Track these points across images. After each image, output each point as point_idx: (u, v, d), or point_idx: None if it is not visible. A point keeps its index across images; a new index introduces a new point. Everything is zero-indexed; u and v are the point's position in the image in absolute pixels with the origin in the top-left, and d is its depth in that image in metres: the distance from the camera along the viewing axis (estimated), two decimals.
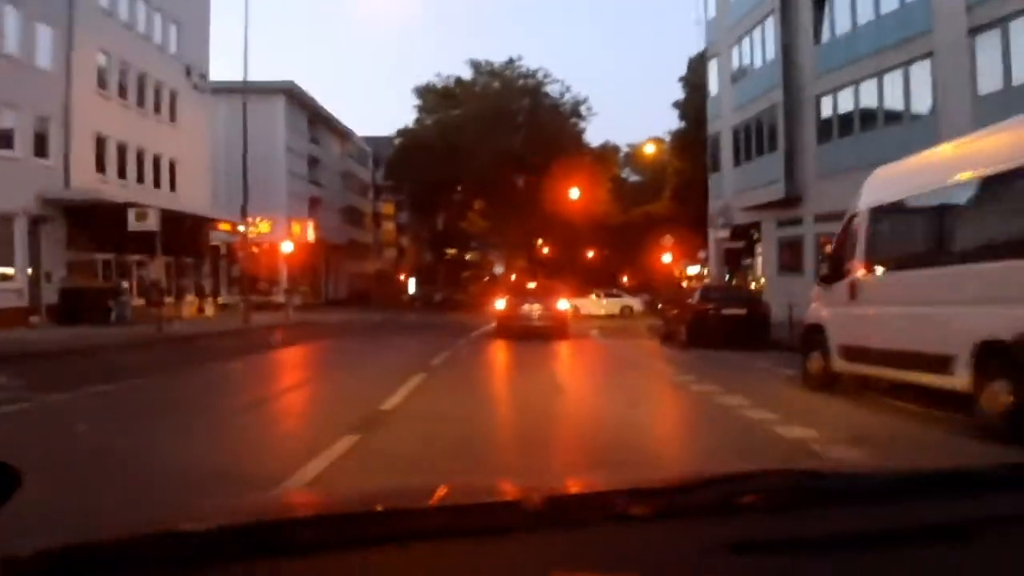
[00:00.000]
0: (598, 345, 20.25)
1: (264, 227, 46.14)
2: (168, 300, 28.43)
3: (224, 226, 32.18)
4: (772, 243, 29.78)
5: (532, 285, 26.06)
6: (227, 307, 36.14)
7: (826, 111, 25.92)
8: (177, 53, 31.71)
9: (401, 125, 56.62)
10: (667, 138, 56.19)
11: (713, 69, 34.54)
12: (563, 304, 21.17)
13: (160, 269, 22.79)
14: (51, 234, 21.81)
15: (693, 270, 70.69)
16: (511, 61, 51.59)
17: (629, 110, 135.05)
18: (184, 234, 30.01)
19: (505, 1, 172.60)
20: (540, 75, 52.24)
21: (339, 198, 60.95)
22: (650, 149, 54.26)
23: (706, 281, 40.03)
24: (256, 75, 46.42)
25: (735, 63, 31.85)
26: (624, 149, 71.34)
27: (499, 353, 17.12)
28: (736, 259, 33.82)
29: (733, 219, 32.05)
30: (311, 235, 50.99)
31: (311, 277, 53.85)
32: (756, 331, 17.06)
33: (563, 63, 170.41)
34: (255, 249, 44.40)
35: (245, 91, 27.86)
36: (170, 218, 28.17)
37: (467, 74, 52.53)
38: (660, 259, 39.78)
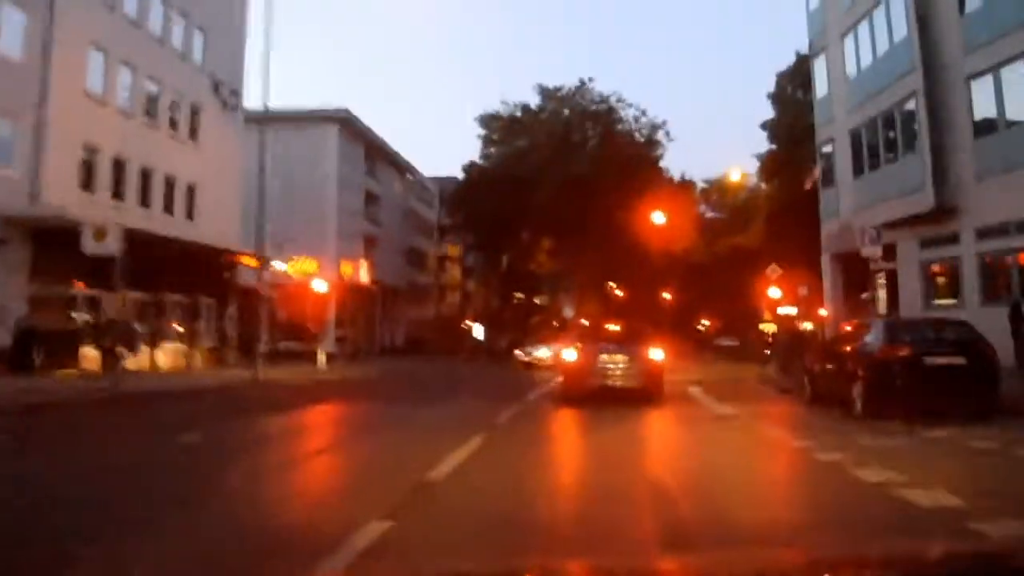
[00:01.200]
0: (714, 416, 13.06)
1: (309, 266, 42.20)
2: (173, 346, 24.29)
3: (248, 260, 27.85)
4: (913, 269, 23.89)
5: (612, 327, 18.72)
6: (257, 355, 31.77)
7: (983, 95, 20.18)
8: (203, 64, 27.98)
9: (468, 161, 52.65)
10: (753, 165, 50.50)
11: (820, 66, 29.04)
12: (657, 354, 15.33)
13: (120, 305, 18.13)
14: (9, 261, 17.58)
15: (785, 311, 64.25)
16: (582, 84, 47.00)
17: (704, 147, 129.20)
18: (202, 269, 25.87)
19: (577, 34, 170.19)
20: (613, 99, 47.40)
21: (400, 238, 56.93)
22: (735, 176, 48.64)
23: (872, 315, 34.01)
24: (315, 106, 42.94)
25: (850, 54, 26.35)
26: (700, 185, 65.65)
27: (558, 444, 10.66)
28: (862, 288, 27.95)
29: (854, 242, 26.33)
30: (364, 276, 46.90)
31: (365, 323, 49.60)
32: (983, 390, 10.90)
33: (634, 95, 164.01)
34: (299, 290, 40.32)
35: (266, 108, 23.13)
36: (182, 250, 24.12)
37: (535, 101, 48.10)
38: (760, 295, 33.31)
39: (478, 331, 70.32)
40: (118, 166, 22.87)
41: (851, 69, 26.33)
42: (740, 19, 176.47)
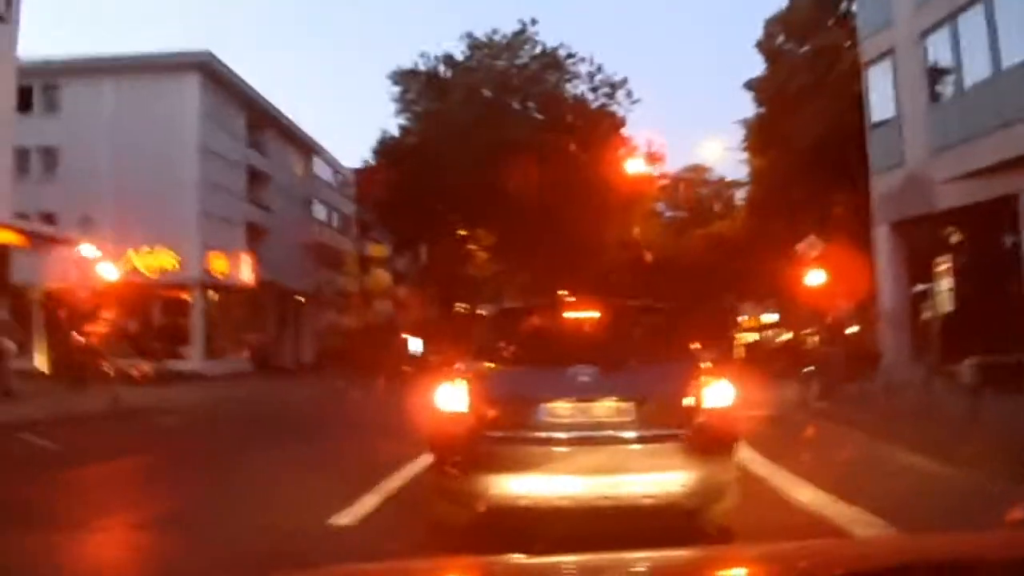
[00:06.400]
0: None
1: (164, 259, 31.87)
2: None
3: (6, 235, 17.54)
4: None
5: (573, 314, 6.62)
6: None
7: None
8: None
9: (380, 132, 42.57)
10: (734, 135, 41.43)
11: None
12: (723, 393, 5.13)
13: None
14: None
15: (769, 318, 55.58)
16: (523, 30, 37.36)
17: (667, 122, 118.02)
18: None
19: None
20: (562, 52, 38.05)
21: (303, 232, 46.68)
22: (711, 151, 39.83)
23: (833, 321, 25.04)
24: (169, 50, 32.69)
25: None
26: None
27: None
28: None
29: (929, 200, 17.39)
30: (247, 274, 36.70)
31: (260, 330, 39.49)
32: None
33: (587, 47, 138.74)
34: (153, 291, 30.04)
35: None
36: None
37: (462, 52, 38.40)
38: (778, 283, 23.54)
39: (416, 345, 60.50)
40: None
41: None
42: None
